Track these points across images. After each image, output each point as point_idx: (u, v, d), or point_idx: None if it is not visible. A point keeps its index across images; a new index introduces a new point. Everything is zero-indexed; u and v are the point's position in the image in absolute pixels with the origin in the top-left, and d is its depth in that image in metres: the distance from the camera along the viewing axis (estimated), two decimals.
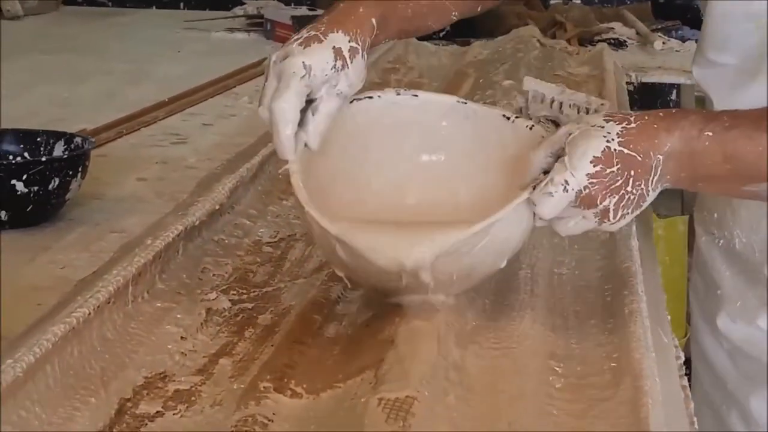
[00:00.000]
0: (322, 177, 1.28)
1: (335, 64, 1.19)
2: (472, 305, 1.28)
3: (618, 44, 3.79)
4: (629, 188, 1.13)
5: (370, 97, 1.33)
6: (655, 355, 1.20)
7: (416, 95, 1.37)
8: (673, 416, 1.12)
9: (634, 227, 1.58)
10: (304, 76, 1.17)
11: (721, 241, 1.61)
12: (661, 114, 1.16)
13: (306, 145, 1.23)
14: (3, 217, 1.70)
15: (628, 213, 1.15)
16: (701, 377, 1.68)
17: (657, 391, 1.11)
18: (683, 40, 3.94)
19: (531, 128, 1.34)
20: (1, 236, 1.67)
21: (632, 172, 1.12)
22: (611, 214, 1.14)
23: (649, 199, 1.16)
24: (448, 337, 1.16)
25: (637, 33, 3.94)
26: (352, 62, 1.21)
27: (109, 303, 1.20)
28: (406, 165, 1.37)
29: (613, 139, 1.12)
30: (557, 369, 1.19)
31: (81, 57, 3.27)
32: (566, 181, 1.13)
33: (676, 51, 3.80)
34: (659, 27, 4.05)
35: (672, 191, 1.24)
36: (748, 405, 1.57)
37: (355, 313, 1.30)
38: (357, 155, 1.35)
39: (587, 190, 1.13)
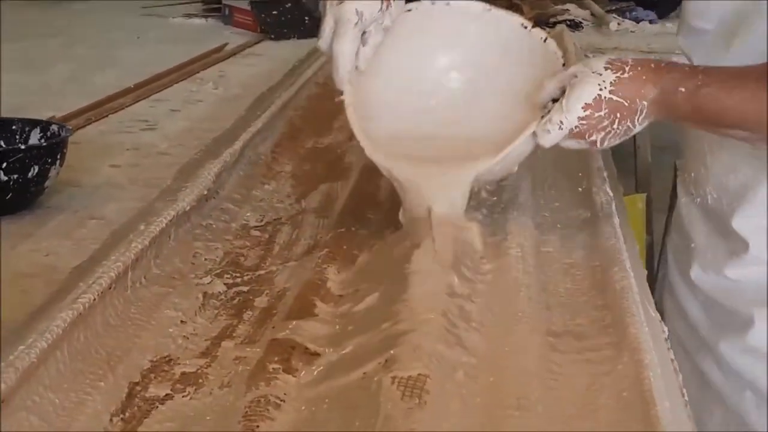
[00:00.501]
0: (367, 101, 1.51)
1: (381, 6, 1.42)
2: (470, 285, 1.29)
3: (574, 25, 3.81)
4: (615, 126, 1.37)
5: (408, 10, 1.52)
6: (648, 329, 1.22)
7: (448, 4, 1.55)
8: (669, 387, 1.14)
9: (614, 206, 1.61)
10: (357, 22, 1.40)
11: (698, 200, 1.71)
12: (652, 65, 1.36)
13: (357, 68, 1.45)
14: None
15: (615, 141, 1.40)
16: (677, 328, 1.73)
17: (655, 364, 1.13)
18: (637, 20, 3.98)
19: (545, 40, 1.54)
20: None
21: (618, 115, 1.36)
22: (599, 143, 1.39)
23: (636, 130, 1.39)
24: (451, 317, 1.18)
25: (592, 14, 3.98)
26: (393, 1, 1.45)
27: (110, 289, 1.21)
28: (437, 84, 1.58)
29: (605, 88, 1.35)
30: (556, 345, 1.21)
31: (41, 44, 3.24)
32: (561, 122, 1.37)
33: (631, 32, 3.85)
34: (614, 8, 4.09)
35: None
36: (719, 349, 1.64)
37: (353, 294, 1.31)
38: (399, 72, 1.56)
39: (578, 129, 1.37)
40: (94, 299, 1.16)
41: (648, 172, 4.16)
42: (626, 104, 1.36)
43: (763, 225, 1.59)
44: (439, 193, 1.44)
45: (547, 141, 1.40)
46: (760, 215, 1.59)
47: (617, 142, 1.41)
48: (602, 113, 1.36)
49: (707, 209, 1.70)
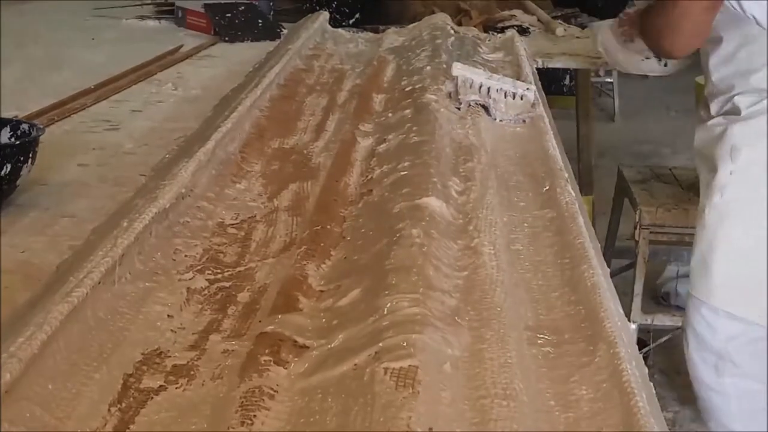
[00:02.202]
0: None
1: None
2: (449, 281, 1.33)
3: (521, 31, 3.86)
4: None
5: None
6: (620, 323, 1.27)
7: None
8: (642, 379, 1.18)
9: (578, 205, 1.66)
10: None
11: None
12: None
13: None
14: None
15: None
16: None
17: (630, 356, 1.17)
18: (582, 27, 4.05)
19: None
20: None
21: None
22: None
23: None
24: (434, 311, 1.21)
25: (539, 20, 4.04)
26: None
27: (100, 284, 1.23)
28: None
29: None
30: (533, 338, 1.25)
31: None
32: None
33: (577, 37, 3.91)
34: (559, 14, 4.15)
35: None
36: None
37: (335, 290, 1.34)
38: None
39: None
40: (87, 293, 1.17)
41: (591, 175, 4.24)
42: None
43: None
44: None
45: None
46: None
47: None
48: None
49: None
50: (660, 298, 3.64)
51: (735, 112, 2.23)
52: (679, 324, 3.28)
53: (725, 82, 2.26)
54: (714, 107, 2.29)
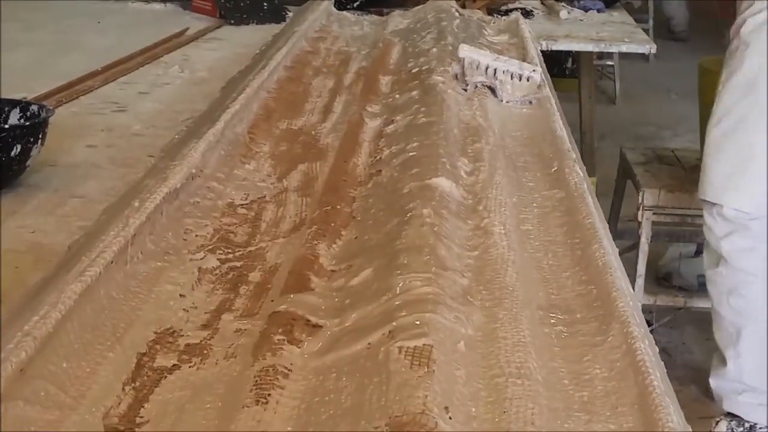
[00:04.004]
0: None
1: None
2: (461, 261, 1.33)
3: (525, 14, 3.86)
4: None
5: None
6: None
7: None
8: (655, 358, 1.18)
9: (586, 185, 1.66)
10: None
11: None
12: None
13: None
14: None
15: None
16: None
17: (643, 335, 1.17)
18: (585, 9, 4.05)
19: None
20: None
21: None
22: None
23: None
24: (447, 290, 1.21)
25: (542, 3, 4.03)
26: None
27: (112, 263, 1.23)
28: None
29: None
30: (545, 318, 1.25)
31: (3, 27, 3.21)
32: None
33: (580, 20, 3.91)
34: None
35: None
36: None
37: (346, 269, 1.34)
38: None
39: None
40: (100, 272, 1.18)
41: (593, 157, 4.24)
42: None
43: None
44: None
45: None
46: None
47: None
48: None
49: None
50: (662, 278, 3.64)
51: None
52: (681, 305, 3.32)
53: None
54: None
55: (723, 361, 2.72)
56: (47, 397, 1.01)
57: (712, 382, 2.77)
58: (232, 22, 3.49)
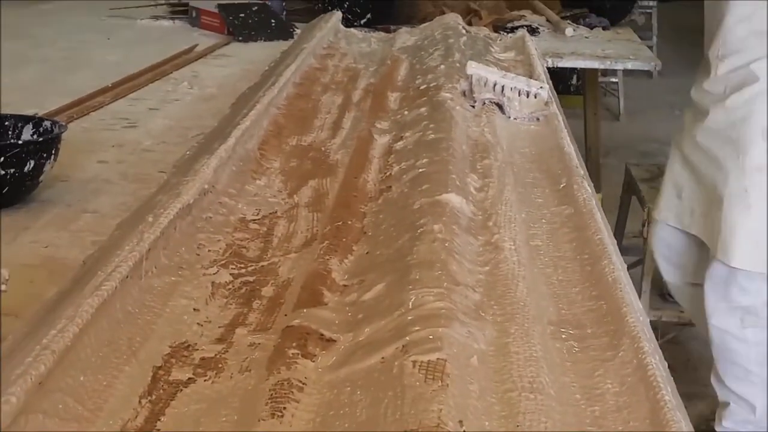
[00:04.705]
0: None
1: None
2: (472, 276, 1.34)
3: (531, 31, 3.88)
4: None
5: None
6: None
7: None
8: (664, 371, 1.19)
9: (594, 201, 1.67)
10: None
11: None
12: None
13: None
14: None
15: None
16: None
17: (653, 350, 1.18)
18: (591, 27, 4.08)
19: None
20: None
21: None
22: None
23: None
24: (459, 305, 1.22)
25: (548, 20, 4.06)
26: None
27: (127, 277, 1.24)
28: None
29: None
30: (556, 333, 1.26)
31: (13, 44, 3.25)
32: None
33: (586, 37, 3.94)
34: (568, 15, 4.17)
35: None
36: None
37: (359, 284, 1.35)
38: None
39: None
40: (116, 287, 1.19)
41: (599, 173, 4.26)
42: None
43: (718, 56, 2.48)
44: None
45: None
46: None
47: None
48: None
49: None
50: (667, 294, 3.65)
51: (750, 80, 2.41)
52: (686, 321, 3.32)
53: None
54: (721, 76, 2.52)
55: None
56: (65, 409, 1.02)
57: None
58: (240, 38, 3.51)
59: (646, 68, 3.66)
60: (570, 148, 1.96)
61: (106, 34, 3.56)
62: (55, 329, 1.07)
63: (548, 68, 3.19)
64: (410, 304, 1.21)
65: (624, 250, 3.49)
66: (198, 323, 1.27)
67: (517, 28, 3.80)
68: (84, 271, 1.30)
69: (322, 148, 2.01)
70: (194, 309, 1.30)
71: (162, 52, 3.12)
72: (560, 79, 5.33)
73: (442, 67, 2.54)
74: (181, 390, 1.12)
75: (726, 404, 2.70)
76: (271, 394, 1.07)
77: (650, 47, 5.47)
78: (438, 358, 1.07)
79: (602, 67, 3.80)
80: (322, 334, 1.21)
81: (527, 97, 2.30)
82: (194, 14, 3.76)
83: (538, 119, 2.22)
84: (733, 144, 2.55)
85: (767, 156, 2.51)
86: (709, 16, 2.59)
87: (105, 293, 1.16)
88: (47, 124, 1.87)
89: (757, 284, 2.57)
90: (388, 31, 3.47)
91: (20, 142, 1.80)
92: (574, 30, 3.95)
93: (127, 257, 1.26)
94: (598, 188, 3.99)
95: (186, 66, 2.99)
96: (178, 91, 2.69)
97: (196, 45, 3.30)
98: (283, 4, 3.91)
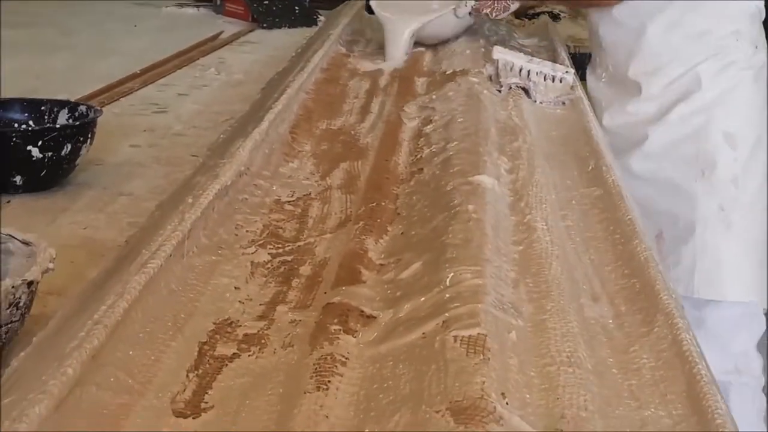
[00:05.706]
0: None
1: None
2: (507, 255, 1.36)
3: (552, 17, 3.90)
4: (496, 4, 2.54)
5: None
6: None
7: None
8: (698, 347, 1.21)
9: (622, 183, 1.70)
10: None
11: (603, 74, 2.56)
12: None
13: None
14: (18, 181, 1.75)
15: (500, 14, 2.63)
16: None
17: (687, 327, 1.21)
18: None
19: None
20: (18, 200, 1.72)
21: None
22: (490, 15, 2.59)
23: (512, 8, 2.60)
24: (495, 283, 1.25)
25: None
26: None
27: (171, 256, 1.26)
28: None
29: None
30: (592, 309, 1.29)
31: (42, 32, 3.28)
32: (465, 4, 2.60)
33: None
34: None
35: None
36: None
37: (395, 263, 1.38)
38: None
39: (476, 6, 2.58)
40: (161, 264, 1.21)
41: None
42: None
43: (649, 71, 2.33)
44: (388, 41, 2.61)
45: (459, 13, 2.65)
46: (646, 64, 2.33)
47: (503, 15, 2.63)
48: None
49: (610, 77, 2.48)
50: None
51: (696, 86, 2.30)
52: None
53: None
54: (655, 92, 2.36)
55: None
56: (117, 382, 1.05)
57: None
58: (264, 25, 3.54)
59: None
60: (597, 131, 1.99)
61: (132, 22, 3.59)
62: (105, 305, 1.10)
63: (570, 54, 3.20)
64: (448, 281, 1.23)
65: None
66: (239, 301, 1.29)
67: (538, 14, 3.81)
68: (128, 250, 1.32)
69: (352, 132, 2.03)
70: (235, 287, 1.32)
71: (188, 39, 3.15)
72: (579, 65, 5.32)
73: (468, 52, 2.56)
74: (227, 365, 1.14)
75: None
76: (316, 368, 1.09)
77: None
78: (479, 333, 1.09)
79: None
80: (362, 311, 1.23)
81: (553, 81, 2.32)
82: (218, 2, 3.78)
83: (564, 103, 2.24)
84: (691, 161, 2.28)
85: (738, 164, 2.27)
86: (610, 36, 2.45)
87: (151, 270, 1.19)
88: (82, 108, 1.90)
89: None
90: None
91: (57, 126, 1.83)
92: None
93: (170, 236, 1.29)
94: None
95: (212, 53, 3.02)
96: (205, 77, 2.72)
97: (221, 32, 3.32)
98: None
